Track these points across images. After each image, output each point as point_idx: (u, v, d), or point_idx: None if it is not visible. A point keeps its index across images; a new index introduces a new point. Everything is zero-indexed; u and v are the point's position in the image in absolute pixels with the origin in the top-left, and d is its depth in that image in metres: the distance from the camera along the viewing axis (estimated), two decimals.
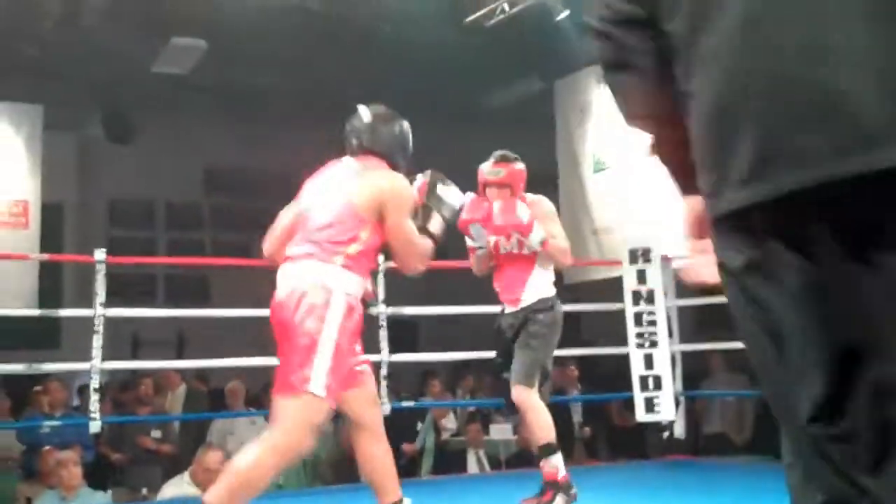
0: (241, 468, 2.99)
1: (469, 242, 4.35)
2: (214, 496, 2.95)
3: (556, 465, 4.02)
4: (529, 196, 4.33)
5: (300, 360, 3.00)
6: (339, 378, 3.07)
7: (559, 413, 8.16)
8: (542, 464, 4.05)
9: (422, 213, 3.36)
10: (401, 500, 3.28)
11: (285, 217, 3.41)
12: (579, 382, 8.23)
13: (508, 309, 4.29)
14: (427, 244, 3.30)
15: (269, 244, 3.40)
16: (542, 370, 4.15)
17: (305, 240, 3.17)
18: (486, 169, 4.33)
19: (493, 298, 4.53)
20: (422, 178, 3.53)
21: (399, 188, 3.23)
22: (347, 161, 3.37)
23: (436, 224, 3.39)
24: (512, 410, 4.26)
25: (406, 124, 3.50)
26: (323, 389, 2.98)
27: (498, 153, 4.35)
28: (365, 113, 3.45)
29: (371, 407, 3.37)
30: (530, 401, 4.05)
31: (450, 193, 3.49)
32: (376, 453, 3.31)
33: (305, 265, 3.11)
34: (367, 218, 3.15)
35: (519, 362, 4.13)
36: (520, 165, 4.33)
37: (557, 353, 4.45)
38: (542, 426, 4.04)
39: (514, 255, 4.27)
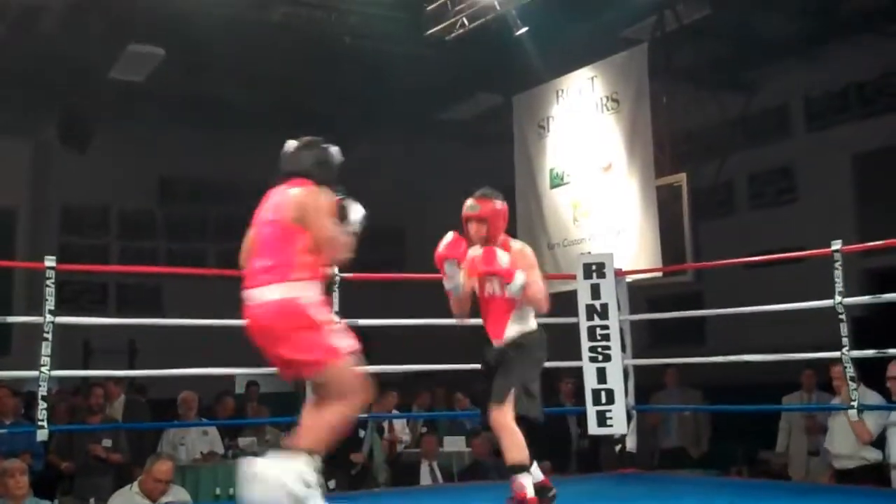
0: (316, 418, 3.48)
1: (445, 284, 4.42)
2: (299, 440, 3.43)
3: (523, 484, 4.07)
4: (514, 242, 4.46)
5: (315, 341, 3.47)
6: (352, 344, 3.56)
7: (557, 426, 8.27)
8: (511, 481, 4.12)
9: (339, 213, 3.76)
10: (313, 453, 3.46)
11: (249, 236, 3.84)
12: (573, 396, 8.23)
13: (494, 342, 4.42)
14: (347, 238, 3.68)
15: (242, 261, 3.81)
16: (524, 390, 4.25)
17: (260, 264, 3.63)
18: (466, 203, 4.44)
19: (448, 312, 4.57)
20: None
21: (315, 196, 3.66)
22: (281, 187, 3.79)
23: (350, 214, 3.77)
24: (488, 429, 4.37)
25: (331, 149, 3.91)
26: (348, 352, 3.51)
27: (479, 190, 4.46)
28: (290, 143, 3.90)
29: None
30: (501, 421, 4.16)
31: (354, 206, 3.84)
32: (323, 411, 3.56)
33: (269, 288, 3.56)
34: (300, 229, 3.60)
35: (495, 385, 4.27)
36: (499, 203, 4.41)
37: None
38: (513, 446, 4.13)
39: (496, 296, 4.40)
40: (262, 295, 3.56)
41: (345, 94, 11.13)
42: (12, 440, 6.49)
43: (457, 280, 4.35)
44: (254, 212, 3.83)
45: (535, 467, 4.32)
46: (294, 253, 3.57)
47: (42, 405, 5.48)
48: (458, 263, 4.32)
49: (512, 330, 4.35)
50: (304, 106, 11.69)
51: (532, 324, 4.39)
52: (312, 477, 3.37)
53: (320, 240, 3.58)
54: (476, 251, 4.33)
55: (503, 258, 4.21)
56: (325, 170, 3.83)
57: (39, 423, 5.47)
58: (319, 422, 3.48)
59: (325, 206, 3.64)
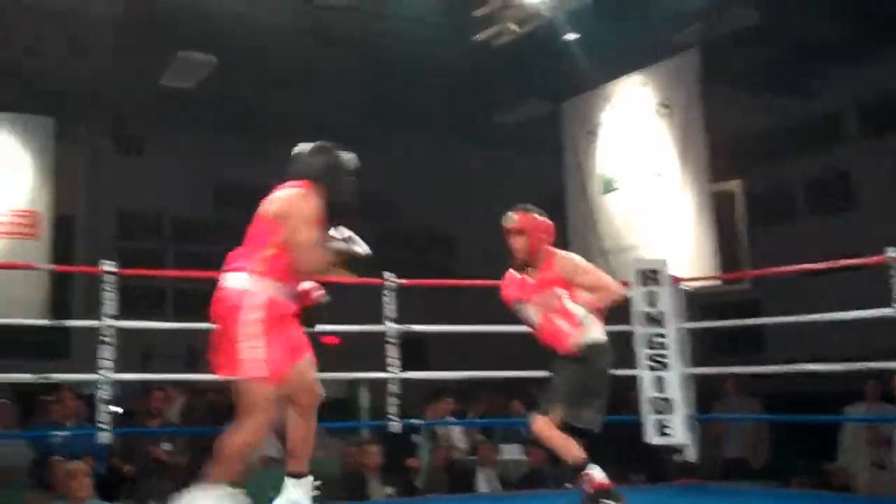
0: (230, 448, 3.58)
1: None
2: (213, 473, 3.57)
3: (592, 475, 4.13)
4: (560, 253, 4.49)
5: (233, 349, 3.53)
6: (274, 360, 3.54)
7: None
8: (579, 480, 4.17)
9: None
10: (305, 474, 3.76)
11: None
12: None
13: (558, 352, 4.43)
14: (322, 253, 3.66)
15: None
16: (576, 401, 4.27)
17: (233, 252, 3.73)
18: (506, 216, 4.52)
19: (506, 319, 4.63)
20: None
21: (298, 199, 3.66)
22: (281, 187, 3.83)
23: (336, 247, 3.74)
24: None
25: (339, 156, 3.91)
26: (258, 371, 3.51)
27: (520, 205, 4.55)
28: (300, 146, 3.94)
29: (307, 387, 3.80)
30: (540, 430, 4.24)
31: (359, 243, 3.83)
32: (300, 424, 3.80)
33: (229, 275, 3.65)
34: (277, 226, 3.62)
35: (546, 394, 4.36)
36: (538, 214, 4.49)
37: None
38: (562, 449, 4.20)
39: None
40: (223, 280, 3.64)
41: (394, 101, 11.15)
42: (75, 443, 6.56)
43: (531, 317, 4.43)
44: None
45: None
46: (262, 246, 3.61)
47: (104, 408, 5.56)
48: (522, 301, 4.43)
49: (573, 340, 4.36)
50: (353, 112, 11.74)
51: (594, 334, 4.38)
52: None
53: (292, 242, 3.57)
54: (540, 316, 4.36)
55: (563, 324, 4.29)
56: (330, 175, 3.83)
57: (101, 426, 5.55)
58: (231, 448, 3.58)
59: (309, 211, 3.63)
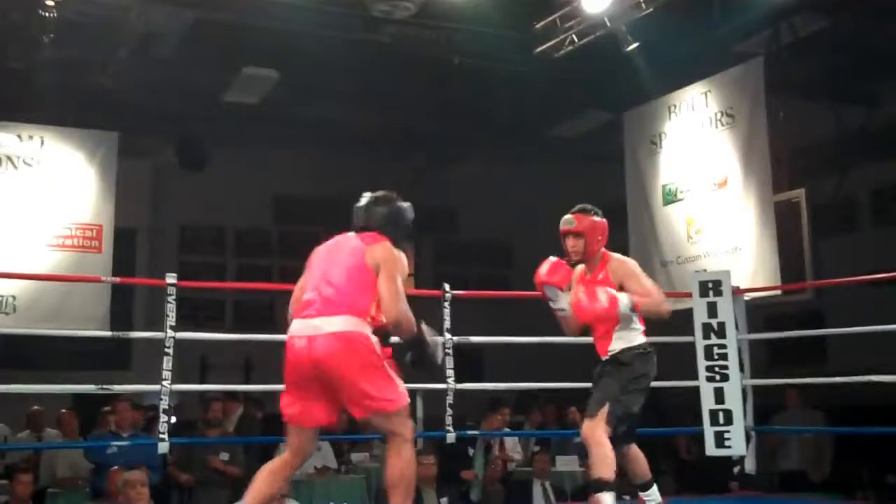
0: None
1: (551, 304, 4.48)
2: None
3: (601, 500, 4.06)
4: (615, 256, 4.48)
5: (379, 383, 3.60)
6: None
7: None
8: (590, 498, 4.13)
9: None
10: None
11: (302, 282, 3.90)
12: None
13: (603, 359, 4.43)
14: (409, 314, 3.70)
15: (293, 305, 3.86)
16: (622, 410, 4.22)
17: (329, 294, 3.68)
18: (563, 219, 4.48)
19: (562, 330, 4.59)
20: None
21: (390, 251, 3.74)
22: (349, 236, 3.88)
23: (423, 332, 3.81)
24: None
25: (404, 206, 3.96)
26: (405, 397, 3.69)
27: (578, 206, 4.50)
28: (364, 197, 3.98)
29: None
30: (593, 436, 4.18)
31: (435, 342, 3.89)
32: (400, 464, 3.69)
33: (338, 319, 3.61)
34: (373, 275, 3.69)
35: (590, 399, 4.31)
36: (597, 217, 4.45)
37: None
38: (599, 462, 4.13)
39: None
40: (329, 324, 3.60)
41: (453, 113, 11.17)
42: (130, 453, 6.64)
43: (561, 303, 4.41)
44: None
45: (653, 490, 4.39)
46: (367, 295, 3.65)
47: (163, 418, 5.63)
48: (560, 287, 4.37)
49: (616, 345, 4.36)
50: (413, 126, 11.79)
51: (637, 340, 4.37)
52: None
53: (384, 287, 3.63)
54: (580, 293, 4.36)
55: (602, 297, 4.25)
56: (397, 227, 3.89)
57: (161, 435, 5.61)
58: (407, 476, 3.63)
59: (402, 265, 3.73)
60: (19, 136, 8.95)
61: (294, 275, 3.93)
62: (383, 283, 3.64)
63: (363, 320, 3.61)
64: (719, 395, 6.24)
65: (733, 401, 6.21)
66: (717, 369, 6.29)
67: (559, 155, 12.54)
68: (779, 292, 8.16)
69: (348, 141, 11.80)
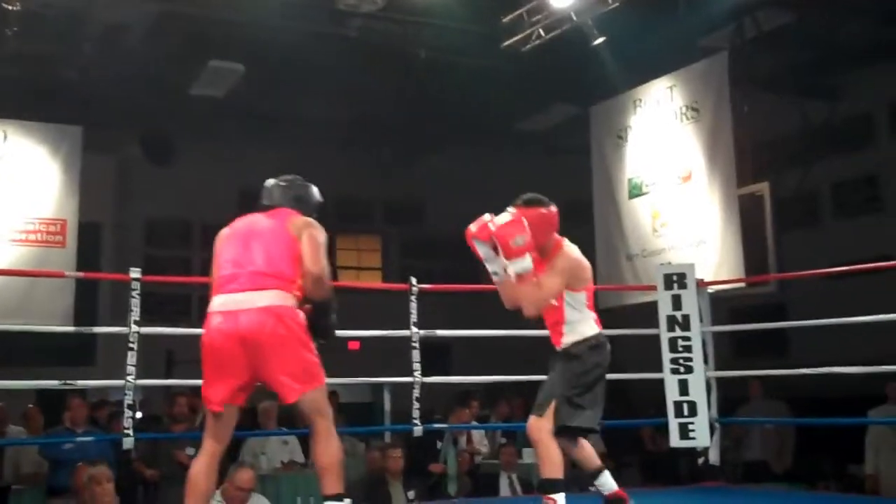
0: (326, 459, 3.54)
1: (486, 265, 4.26)
2: (330, 489, 3.51)
3: (554, 500, 3.93)
4: (567, 246, 4.24)
5: (301, 359, 3.52)
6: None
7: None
8: (544, 498, 3.99)
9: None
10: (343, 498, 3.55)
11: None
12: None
13: (556, 350, 4.29)
14: (329, 275, 3.67)
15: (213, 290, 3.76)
16: (566, 400, 4.05)
17: (255, 269, 3.59)
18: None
19: (528, 323, 4.52)
20: None
21: (310, 221, 3.72)
22: (260, 216, 3.80)
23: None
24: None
25: (311, 188, 3.94)
26: (323, 375, 3.60)
27: (522, 196, 4.26)
28: (270, 181, 3.93)
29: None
30: (539, 434, 4.04)
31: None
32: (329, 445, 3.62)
33: (267, 294, 3.52)
34: (298, 247, 3.63)
35: (538, 395, 4.18)
36: (543, 208, 4.20)
37: None
38: (545, 460, 4.01)
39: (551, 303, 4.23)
40: (260, 299, 3.50)
41: (421, 107, 11.18)
42: (85, 449, 6.60)
43: (494, 265, 4.19)
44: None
45: (605, 476, 4.26)
46: (294, 267, 3.57)
47: (128, 413, 5.59)
48: (495, 248, 4.12)
49: (567, 339, 4.21)
50: (381, 120, 11.78)
51: (587, 331, 4.21)
52: None
53: (309, 250, 3.58)
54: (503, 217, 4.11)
55: (519, 239, 4.01)
56: (308, 205, 3.86)
57: (126, 431, 5.58)
58: (334, 457, 3.54)
59: (323, 234, 3.69)
60: None
61: None
62: (306, 243, 3.59)
63: (292, 295, 3.54)
64: (683, 387, 6.28)
65: (697, 392, 6.25)
66: (681, 361, 6.32)
67: (526, 148, 12.58)
68: (743, 285, 8.26)
69: (315, 135, 11.77)
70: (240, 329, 3.47)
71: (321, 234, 3.67)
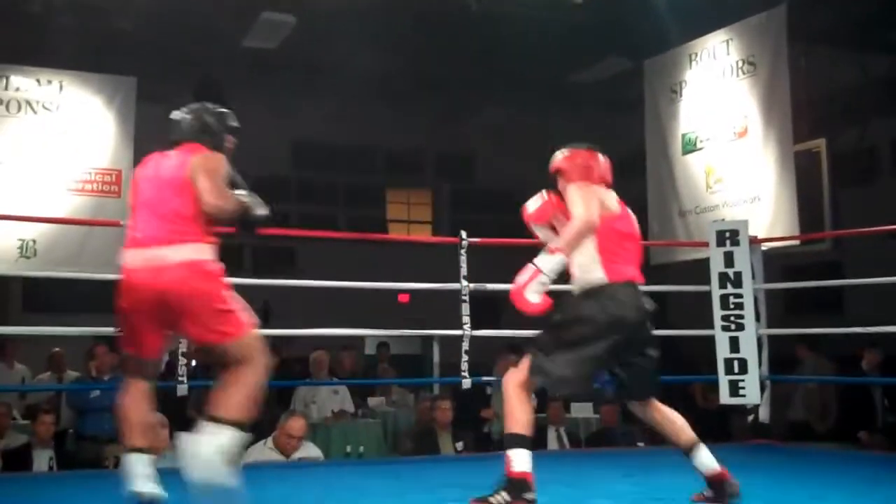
0: (247, 386, 3.47)
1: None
2: (226, 411, 3.39)
3: (510, 458, 3.52)
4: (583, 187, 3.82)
5: (230, 313, 3.49)
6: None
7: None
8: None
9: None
10: (240, 425, 3.41)
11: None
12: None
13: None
14: (229, 200, 3.56)
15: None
16: (544, 363, 3.64)
17: (159, 222, 3.56)
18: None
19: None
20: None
21: (205, 157, 3.62)
22: (169, 154, 3.74)
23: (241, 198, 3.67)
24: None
25: (216, 110, 3.87)
26: (251, 321, 3.59)
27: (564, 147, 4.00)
28: (176, 112, 3.86)
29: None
30: (506, 387, 3.68)
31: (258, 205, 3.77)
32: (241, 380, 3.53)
33: (176, 248, 3.49)
34: (193, 189, 3.53)
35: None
36: (578, 153, 3.92)
37: None
38: (508, 416, 3.64)
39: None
40: (177, 253, 3.48)
41: (473, 60, 11.11)
42: (112, 396, 6.70)
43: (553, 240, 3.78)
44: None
45: (700, 453, 3.78)
46: (197, 214, 3.51)
47: (182, 361, 5.69)
48: (551, 227, 3.91)
49: (575, 284, 3.81)
50: (433, 72, 11.73)
51: (593, 277, 3.74)
52: (236, 452, 3.38)
53: (203, 188, 3.49)
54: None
55: (538, 205, 3.91)
56: (212, 133, 3.79)
57: (179, 378, 5.69)
58: (241, 391, 3.44)
59: (220, 164, 3.61)
60: (38, 81, 8.95)
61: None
62: (200, 181, 3.50)
63: (209, 246, 3.53)
64: (734, 344, 6.26)
65: (748, 350, 6.23)
66: (732, 318, 6.30)
67: (579, 102, 12.46)
68: (797, 242, 8.15)
69: (366, 87, 11.74)
70: (158, 284, 3.45)
71: (217, 165, 3.59)
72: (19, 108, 8.84)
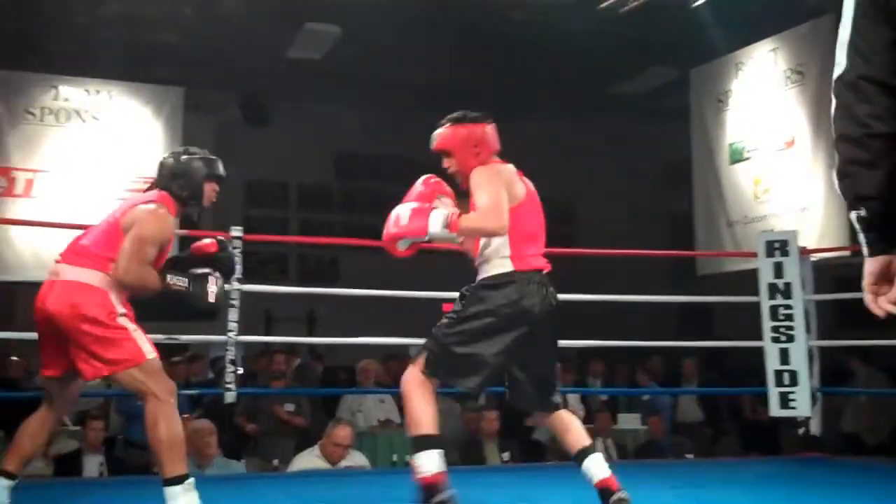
0: (163, 440, 3.39)
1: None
2: (169, 470, 3.37)
3: (417, 463, 3.34)
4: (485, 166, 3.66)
5: (106, 344, 3.42)
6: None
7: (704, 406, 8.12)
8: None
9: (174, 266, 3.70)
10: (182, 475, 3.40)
11: None
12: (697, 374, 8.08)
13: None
14: (142, 276, 3.51)
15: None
16: (440, 358, 3.44)
17: (83, 246, 3.62)
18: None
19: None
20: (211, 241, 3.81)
21: (147, 213, 3.57)
22: (143, 195, 3.76)
23: (173, 279, 3.64)
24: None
25: (196, 161, 3.77)
26: (151, 350, 3.53)
27: (448, 116, 3.77)
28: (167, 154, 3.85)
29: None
30: (404, 386, 3.45)
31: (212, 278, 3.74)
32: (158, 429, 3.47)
33: (84, 271, 3.52)
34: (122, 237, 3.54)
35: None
36: (466, 124, 3.78)
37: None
38: (409, 417, 3.45)
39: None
40: (68, 272, 3.51)
41: (516, 70, 11.08)
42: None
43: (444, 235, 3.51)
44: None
45: (592, 459, 3.50)
46: (114, 253, 3.50)
47: (230, 369, 5.72)
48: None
49: (480, 273, 3.58)
50: (475, 83, 11.70)
51: (494, 270, 3.52)
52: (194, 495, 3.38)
53: (121, 253, 3.47)
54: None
55: (403, 214, 3.55)
56: (179, 183, 3.71)
57: (227, 386, 5.71)
58: (160, 446, 3.39)
59: (158, 228, 3.54)
60: (87, 91, 9.08)
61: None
62: (126, 242, 3.49)
63: (107, 276, 3.47)
64: (784, 356, 6.18)
65: (799, 362, 6.15)
66: (782, 330, 6.23)
67: (623, 112, 12.40)
68: (847, 253, 8.03)
69: (410, 97, 11.76)
70: (45, 302, 3.48)
71: (152, 229, 3.53)
72: (69, 118, 8.97)
